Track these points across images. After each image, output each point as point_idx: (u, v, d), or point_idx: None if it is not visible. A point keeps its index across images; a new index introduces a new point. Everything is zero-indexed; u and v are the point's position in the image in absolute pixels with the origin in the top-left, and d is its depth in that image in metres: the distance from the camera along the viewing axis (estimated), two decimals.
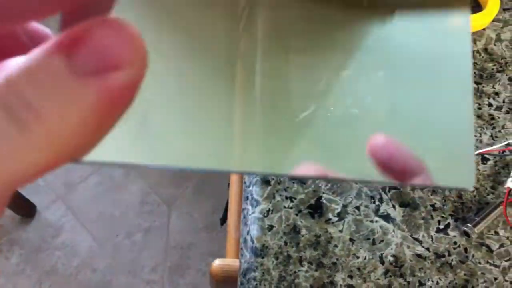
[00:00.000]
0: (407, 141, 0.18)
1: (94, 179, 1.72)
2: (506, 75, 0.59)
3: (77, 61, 0.12)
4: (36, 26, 0.17)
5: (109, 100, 0.13)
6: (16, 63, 0.12)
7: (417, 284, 0.48)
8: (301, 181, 0.52)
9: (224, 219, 0.94)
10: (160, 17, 0.15)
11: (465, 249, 0.50)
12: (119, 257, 1.61)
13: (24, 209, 1.62)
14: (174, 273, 1.60)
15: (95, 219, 1.66)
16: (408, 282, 0.48)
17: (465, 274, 0.49)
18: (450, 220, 0.51)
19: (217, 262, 0.57)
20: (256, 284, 0.48)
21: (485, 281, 0.49)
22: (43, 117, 0.12)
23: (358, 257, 0.49)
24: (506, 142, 0.55)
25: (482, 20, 0.61)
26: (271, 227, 0.50)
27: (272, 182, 0.52)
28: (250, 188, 0.52)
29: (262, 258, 0.49)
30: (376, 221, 0.51)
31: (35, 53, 0.12)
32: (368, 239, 0.50)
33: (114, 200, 1.68)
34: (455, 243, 0.50)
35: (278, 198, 0.51)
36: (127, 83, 0.13)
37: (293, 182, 0.52)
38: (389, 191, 0.52)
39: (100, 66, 0.12)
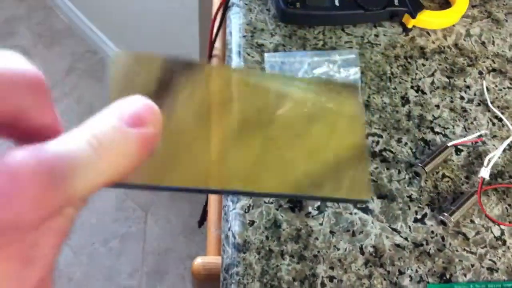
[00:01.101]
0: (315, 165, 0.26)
1: None
2: (476, 69, 0.61)
3: (128, 120, 0.19)
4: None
5: (144, 144, 0.19)
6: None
7: (397, 273, 0.49)
8: None
9: (202, 221, 0.94)
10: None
11: (442, 238, 0.51)
12: (95, 265, 1.60)
13: None
14: (152, 278, 1.59)
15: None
16: (388, 272, 0.49)
17: (443, 262, 0.50)
18: (427, 210, 0.53)
19: (198, 260, 0.57)
20: (239, 279, 0.48)
21: (462, 268, 0.50)
22: (109, 151, 0.18)
23: (338, 249, 0.50)
24: (479, 133, 0.57)
25: (451, 16, 0.62)
26: (252, 223, 0.50)
27: None
28: None
29: (244, 253, 0.49)
30: (355, 213, 0.52)
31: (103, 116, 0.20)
32: (348, 231, 0.51)
33: (89, 207, 1.66)
34: (432, 232, 0.52)
35: None
36: (154, 133, 0.20)
37: None
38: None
39: (136, 121, 0.19)
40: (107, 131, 0.19)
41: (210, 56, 0.70)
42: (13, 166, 0.16)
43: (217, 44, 0.71)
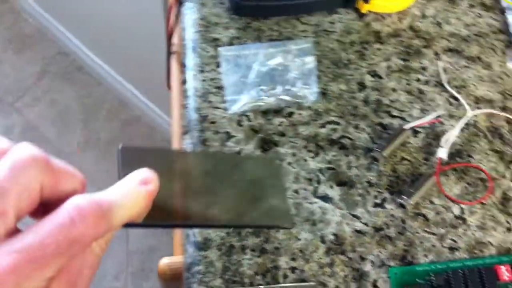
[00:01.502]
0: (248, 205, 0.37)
1: None
2: (432, 50, 0.61)
3: (140, 182, 0.29)
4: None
5: (148, 195, 0.29)
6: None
7: (359, 259, 0.50)
8: None
9: None
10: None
11: (403, 221, 0.52)
12: None
13: None
14: (137, 278, 1.59)
15: None
16: (350, 258, 0.50)
17: (404, 245, 0.50)
18: (386, 194, 0.53)
19: (164, 261, 0.57)
20: (201, 277, 0.48)
21: (424, 250, 0.50)
22: (130, 200, 0.28)
23: (299, 239, 0.50)
24: (436, 114, 0.57)
25: None
26: None
27: None
28: None
29: (205, 251, 0.49)
30: (315, 203, 0.52)
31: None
32: (308, 220, 0.51)
33: None
34: (392, 215, 0.52)
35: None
36: (154, 189, 0.29)
37: None
38: (326, 172, 0.53)
39: (144, 182, 0.29)
40: (127, 188, 0.29)
41: (169, 53, 0.70)
42: (78, 203, 0.26)
43: (177, 40, 0.71)
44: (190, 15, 0.62)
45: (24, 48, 1.94)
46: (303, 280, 0.49)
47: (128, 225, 0.29)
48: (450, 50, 0.61)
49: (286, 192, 0.43)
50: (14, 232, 0.25)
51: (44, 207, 0.28)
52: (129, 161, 0.32)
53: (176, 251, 0.61)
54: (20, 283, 0.24)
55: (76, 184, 0.29)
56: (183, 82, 0.58)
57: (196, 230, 0.50)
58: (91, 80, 1.88)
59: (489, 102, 0.58)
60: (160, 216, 0.31)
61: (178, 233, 0.62)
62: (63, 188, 0.28)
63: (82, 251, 0.27)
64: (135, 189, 0.29)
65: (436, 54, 0.61)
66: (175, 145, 0.63)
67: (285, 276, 0.48)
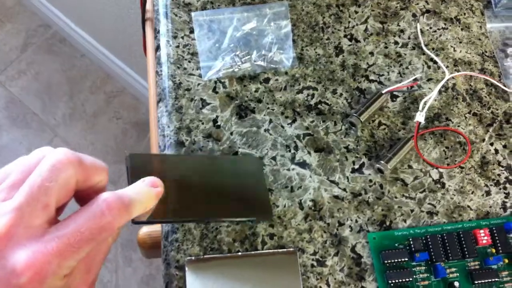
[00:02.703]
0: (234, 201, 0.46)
1: None
2: (410, 11, 0.60)
3: (150, 184, 0.37)
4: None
5: (156, 195, 0.36)
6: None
7: (337, 224, 0.49)
8: (216, 138, 0.52)
9: None
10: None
11: (381, 186, 0.51)
12: None
13: None
14: (126, 248, 1.59)
15: None
16: (328, 224, 0.49)
17: (382, 210, 0.50)
18: (364, 160, 0.52)
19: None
20: (179, 245, 0.47)
21: (402, 214, 0.50)
22: (144, 197, 0.35)
23: (278, 206, 0.50)
24: (414, 77, 0.56)
25: None
26: None
27: (187, 143, 0.51)
28: (165, 151, 0.51)
29: None
30: (293, 169, 0.51)
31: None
32: (287, 187, 0.50)
33: None
34: (370, 181, 0.51)
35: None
36: (161, 190, 0.37)
37: (208, 141, 0.52)
38: (303, 138, 0.53)
39: (153, 185, 0.37)
40: (141, 188, 0.36)
41: (144, 20, 0.68)
42: (106, 197, 0.32)
43: (150, 6, 0.69)
44: None
45: (5, 22, 1.90)
46: (282, 247, 0.48)
47: (135, 222, 0.36)
48: (428, 11, 0.60)
49: (267, 190, 0.49)
50: (55, 221, 0.32)
51: (77, 194, 0.35)
52: (136, 166, 0.40)
53: None
54: (61, 263, 0.30)
55: (103, 175, 0.35)
56: (156, 49, 0.57)
57: None
58: (74, 52, 1.86)
59: (468, 64, 0.57)
60: (159, 214, 0.38)
61: None
62: (93, 180, 0.34)
63: (108, 238, 0.33)
64: (148, 190, 0.36)
65: (414, 15, 0.60)
66: (152, 113, 0.62)
67: (264, 243, 0.48)
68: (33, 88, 1.80)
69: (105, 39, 1.67)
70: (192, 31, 0.56)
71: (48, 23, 1.88)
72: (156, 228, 0.57)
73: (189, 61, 0.55)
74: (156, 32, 0.57)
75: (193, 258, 0.47)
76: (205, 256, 0.47)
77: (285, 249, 0.48)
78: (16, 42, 1.87)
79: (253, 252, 0.48)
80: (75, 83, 1.82)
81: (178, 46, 0.56)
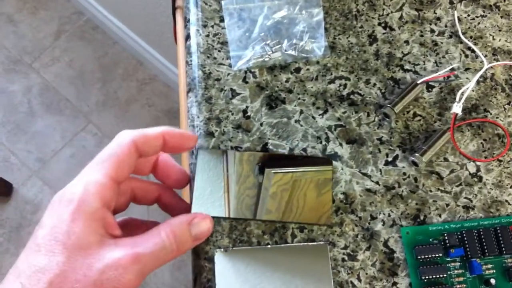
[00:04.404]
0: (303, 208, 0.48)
1: (66, 151, 1.70)
2: None
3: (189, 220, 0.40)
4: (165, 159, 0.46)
5: (208, 230, 0.41)
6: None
7: (369, 218, 0.48)
8: (245, 129, 0.51)
9: None
10: None
11: (415, 179, 0.50)
12: None
13: (0, 188, 1.60)
14: None
15: None
16: (360, 217, 0.48)
17: (416, 204, 0.49)
18: (398, 152, 0.51)
19: None
20: (208, 236, 0.47)
21: (437, 208, 0.49)
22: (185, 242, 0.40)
23: None
24: (451, 67, 0.54)
25: None
26: None
27: (216, 133, 0.51)
28: None
29: None
30: None
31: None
32: None
33: None
34: (404, 174, 0.50)
35: (223, 148, 0.50)
36: (212, 224, 0.41)
37: (237, 131, 0.51)
38: (335, 130, 0.51)
39: (204, 219, 0.41)
40: (183, 228, 0.39)
41: (174, 8, 0.67)
42: (173, 228, 0.39)
43: None
44: None
45: (39, 8, 1.92)
46: (312, 240, 0.47)
47: None
48: None
49: (331, 199, 0.50)
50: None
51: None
52: (205, 170, 0.48)
53: None
54: (140, 269, 0.36)
55: (159, 143, 0.41)
56: (186, 38, 0.56)
57: None
58: (107, 39, 1.87)
59: (507, 54, 0.55)
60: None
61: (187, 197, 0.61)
62: (152, 148, 0.41)
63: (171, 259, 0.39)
64: (186, 227, 0.40)
65: (451, 2, 0.57)
66: (182, 103, 0.62)
67: (294, 236, 0.47)
68: (66, 75, 1.82)
69: (137, 27, 1.68)
70: (222, 20, 0.56)
71: (81, 11, 1.89)
72: None
73: (219, 51, 0.54)
74: (186, 21, 0.57)
75: (222, 249, 0.47)
76: (234, 248, 0.47)
77: (315, 243, 0.47)
78: (49, 29, 1.89)
79: (282, 245, 0.47)
80: (107, 70, 1.83)
81: (208, 35, 0.55)
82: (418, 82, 0.52)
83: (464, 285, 0.46)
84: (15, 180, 1.66)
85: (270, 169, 0.48)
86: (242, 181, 0.48)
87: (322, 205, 0.48)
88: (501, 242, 0.47)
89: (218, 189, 0.47)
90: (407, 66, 0.54)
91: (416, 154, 0.49)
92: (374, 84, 0.53)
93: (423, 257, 0.46)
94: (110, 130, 1.73)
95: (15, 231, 1.60)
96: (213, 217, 0.40)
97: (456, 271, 0.47)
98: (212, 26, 0.55)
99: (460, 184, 0.50)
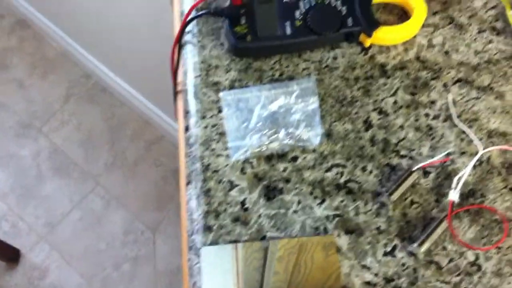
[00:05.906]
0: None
1: (75, 215, 1.71)
2: (441, 81, 0.59)
3: None
4: None
5: None
6: None
7: None
8: (244, 222, 0.52)
9: None
10: None
11: (414, 270, 0.50)
12: None
13: (8, 254, 1.60)
14: None
15: (81, 255, 1.64)
16: None
17: None
18: (396, 241, 0.51)
19: None
20: None
21: None
22: None
23: None
24: (447, 152, 0.55)
25: (410, 29, 0.60)
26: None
27: (214, 227, 0.51)
28: (193, 236, 0.51)
29: None
30: None
31: None
32: None
33: (98, 233, 1.67)
34: (403, 264, 0.50)
35: (221, 243, 0.51)
36: None
37: (235, 225, 0.51)
38: (333, 220, 0.52)
39: None
40: None
41: (176, 93, 0.69)
42: None
43: (181, 79, 0.70)
44: (190, 58, 0.60)
45: (48, 72, 1.97)
46: None
47: None
48: (459, 80, 0.59)
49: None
50: None
51: None
52: (210, 268, 0.49)
53: None
54: None
55: None
56: (186, 129, 0.57)
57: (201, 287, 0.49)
58: (114, 101, 1.90)
59: (503, 136, 0.56)
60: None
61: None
62: None
63: None
64: None
65: (445, 85, 0.58)
66: (182, 193, 0.62)
67: None
68: (75, 138, 1.85)
69: (144, 88, 1.71)
70: (220, 111, 0.57)
71: (89, 74, 1.93)
72: None
73: (217, 142, 0.55)
74: (185, 112, 0.58)
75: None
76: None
77: None
78: (58, 93, 1.93)
79: None
80: (115, 131, 1.86)
81: (206, 127, 0.56)
82: (413, 169, 0.52)
83: None
84: (23, 245, 1.66)
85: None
86: (248, 245, 0.50)
87: (330, 264, 0.49)
88: None
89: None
90: (402, 152, 0.55)
91: (414, 245, 0.49)
92: (371, 171, 0.54)
93: None
94: (118, 191, 1.74)
95: None
96: None
97: None
98: (211, 117, 0.57)
99: (460, 274, 0.49)
